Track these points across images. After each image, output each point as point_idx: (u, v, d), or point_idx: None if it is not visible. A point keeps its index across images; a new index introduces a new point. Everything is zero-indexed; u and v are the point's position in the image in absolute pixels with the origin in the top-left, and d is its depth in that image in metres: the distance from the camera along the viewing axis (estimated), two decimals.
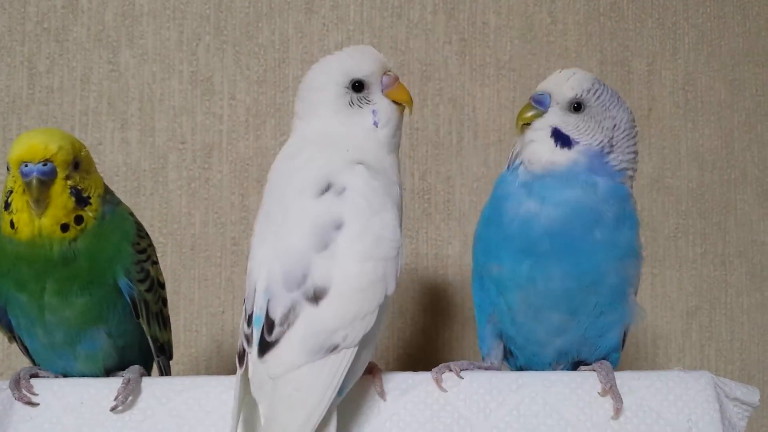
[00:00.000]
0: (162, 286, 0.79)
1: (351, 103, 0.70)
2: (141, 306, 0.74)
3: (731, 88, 1.21)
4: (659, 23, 1.20)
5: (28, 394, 0.68)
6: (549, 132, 0.73)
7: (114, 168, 1.07)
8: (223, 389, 0.68)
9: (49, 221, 0.68)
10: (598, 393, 0.67)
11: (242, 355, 0.64)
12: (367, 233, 0.63)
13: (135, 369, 0.71)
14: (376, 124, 0.70)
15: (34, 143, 0.67)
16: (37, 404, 0.67)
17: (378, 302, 0.63)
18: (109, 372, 0.74)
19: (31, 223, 0.68)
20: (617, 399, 0.66)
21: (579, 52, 1.17)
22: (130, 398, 0.68)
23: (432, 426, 0.65)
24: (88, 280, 0.70)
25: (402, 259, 0.66)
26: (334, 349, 0.61)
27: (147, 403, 0.67)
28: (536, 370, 0.74)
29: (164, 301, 0.80)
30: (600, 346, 0.73)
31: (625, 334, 0.75)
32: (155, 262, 0.78)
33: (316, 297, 0.61)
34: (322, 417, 0.60)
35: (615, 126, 0.73)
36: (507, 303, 0.72)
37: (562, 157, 0.71)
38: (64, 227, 0.68)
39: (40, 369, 0.73)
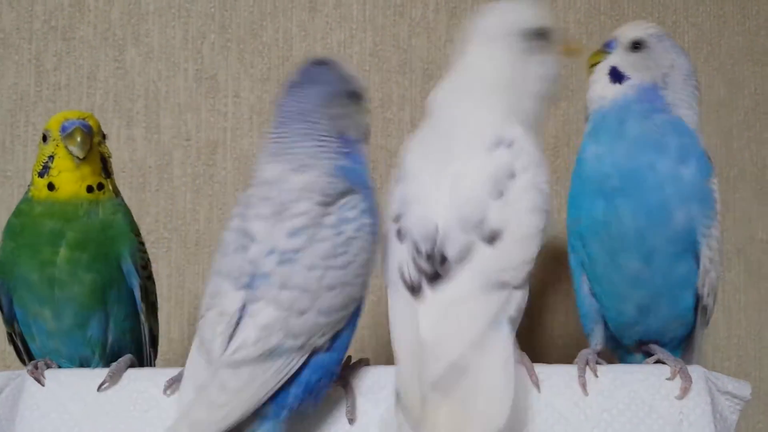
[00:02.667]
0: (154, 282, 0.83)
1: (529, 50, 0.71)
2: (142, 292, 0.78)
3: (730, 87, 1.21)
4: (659, 22, 1.18)
5: (41, 377, 0.71)
6: (607, 71, 0.78)
7: (120, 164, 1.08)
8: None
9: (79, 176, 0.74)
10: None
11: (416, 287, 0.65)
12: (533, 186, 0.67)
13: (128, 357, 0.74)
14: (544, 77, 0.72)
15: (72, 111, 0.78)
16: (44, 385, 0.70)
17: (536, 252, 0.66)
18: (109, 360, 0.76)
19: (73, 182, 0.74)
20: (686, 379, 0.68)
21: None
22: (114, 376, 0.70)
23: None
24: (97, 252, 0.74)
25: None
26: (502, 286, 0.64)
27: (151, 393, 0.69)
28: (624, 344, 0.77)
29: (156, 296, 0.83)
30: (675, 306, 0.74)
31: (705, 310, 0.76)
32: (149, 259, 0.82)
33: (491, 238, 0.64)
34: (483, 344, 0.62)
35: (672, 66, 0.76)
36: (589, 255, 0.75)
37: (611, 91, 0.76)
38: (89, 188, 0.75)
39: (50, 361, 0.75)
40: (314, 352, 0.62)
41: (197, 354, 0.63)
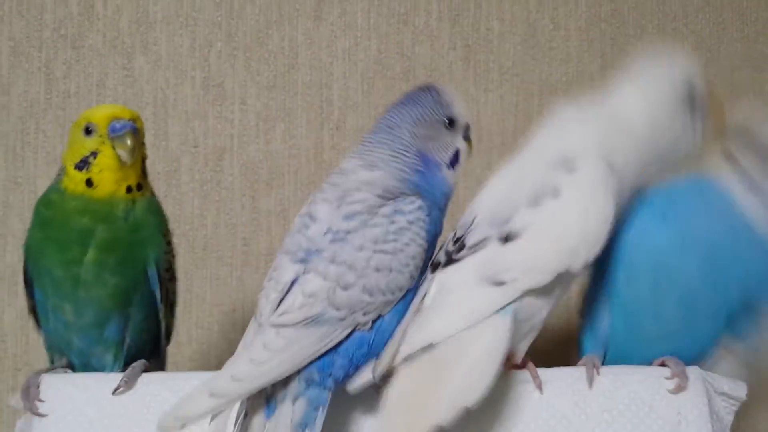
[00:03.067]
0: (176, 279, 0.84)
1: (685, 113, 0.73)
2: (163, 294, 0.78)
3: (730, 94, 1.22)
4: (659, 29, 1.21)
5: (36, 404, 0.70)
6: None
7: None
8: None
9: (121, 175, 0.73)
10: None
11: (435, 265, 0.70)
12: (568, 220, 0.68)
13: (142, 362, 0.75)
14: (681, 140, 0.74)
15: (120, 107, 0.77)
16: (45, 415, 0.70)
17: (554, 272, 0.67)
18: (125, 360, 0.77)
19: (114, 182, 0.73)
20: (683, 379, 0.70)
21: (581, 58, 1.19)
22: (129, 382, 0.71)
23: None
24: (125, 256, 0.74)
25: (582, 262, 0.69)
26: (500, 285, 0.66)
27: (164, 396, 0.70)
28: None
29: (176, 294, 0.84)
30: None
31: None
32: (174, 255, 0.82)
33: (506, 238, 0.67)
34: (470, 332, 0.65)
35: None
36: (631, 287, 0.76)
37: None
38: (128, 189, 0.74)
39: (51, 366, 0.76)
40: (357, 329, 0.65)
41: (252, 321, 0.68)
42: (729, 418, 0.73)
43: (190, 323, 1.10)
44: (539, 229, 0.68)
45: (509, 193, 0.70)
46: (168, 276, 0.79)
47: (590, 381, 0.70)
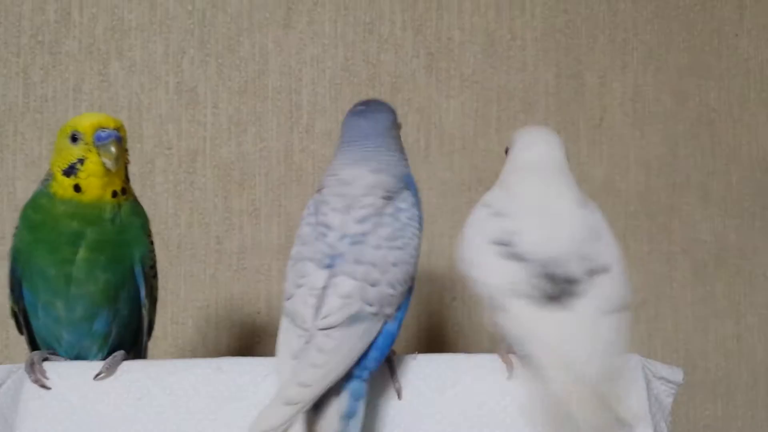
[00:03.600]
0: (157, 277, 0.87)
1: None
2: (148, 290, 0.82)
3: (676, 100, 1.25)
4: (610, 39, 1.24)
5: (42, 378, 0.74)
6: None
7: None
8: (210, 371, 0.74)
9: (106, 181, 0.76)
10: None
11: (547, 300, 0.72)
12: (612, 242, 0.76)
13: (122, 352, 0.78)
14: None
15: (105, 116, 0.78)
16: (50, 388, 0.73)
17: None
18: (108, 351, 0.80)
19: (101, 187, 0.76)
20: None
21: (536, 66, 1.22)
22: (110, 369, 0.74)
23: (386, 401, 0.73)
24: (113, 254, 0.78)
25: None
26: (619, 310, 0.72)
27: (143, 383, 0.73)
28: None
29: (157, 291, 0.87)
30: None
31: None
32: (155, 254, 0.85)
33: (603, 270, 0.73)
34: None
35: None
36: None
37: None
38: (114, 193, 0.77)
39: (49, 353, 0.79)
40: (385, 321, 0.70)
41: (290, 328, 0.70)
42: (669, 400, 0.78)
43: (166, 319, 1.12)
44: (615, 255, 0.75)
45: (573, 228, 0.75)
46: (152, 273, 0.83)
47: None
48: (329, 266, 0.70)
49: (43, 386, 0.74)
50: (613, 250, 0.75)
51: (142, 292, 0.82)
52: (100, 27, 1.15)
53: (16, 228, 0.80)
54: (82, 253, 0.76)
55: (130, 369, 0.75)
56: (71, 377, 0.74)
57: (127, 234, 0.79)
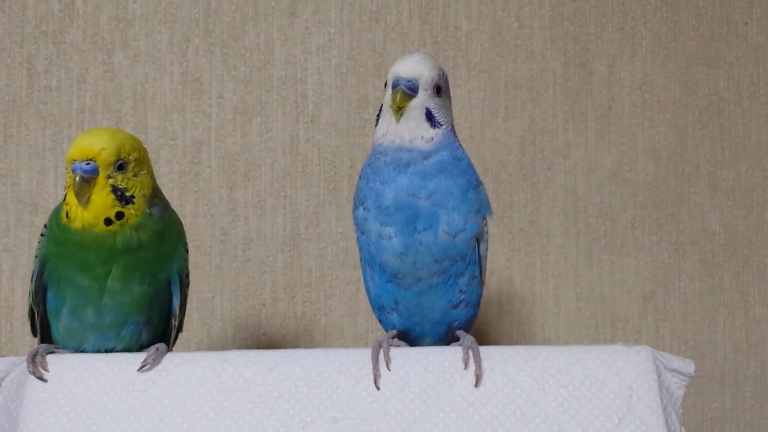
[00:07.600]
0: (189, 283, 0.86)
1: None
2: (182, 299, 0.81)
3: (685, 89, 1.24)
4: (619, 28, 1.23)
5: (41, 370, 0.73)
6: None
7: None
8: (216, 363, 0.74)
9: (90, 215, 0.72)
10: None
11: None
12: None
13: (164, 345, 0.78)
14: None
15: (83, 144, 0.72)
16: (46, 381, 0.73)
17: None
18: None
19: (80, 216, 0.72)
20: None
21: (544, 55, 1.22)
22: (156, 360, 0.74)
23: (403, 395, 0.73)
24: (149, 270, 0.76)
25: None
26: None
27: (149, 375, 0.73)
28: None
29: (187, 297, 0.86)
30: None
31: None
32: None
33: None
34: None
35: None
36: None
37: None
38: (107, 221, 0.73)
39: (57, 347, 0.78)
40: None
41: None
42: (680, 393, 0.77)
43: None
44: None
45: None
46: (186, 282, 0.82)
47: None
48: None
49: (41, 378, 0.73)
50: None
51: (176, 302, 0.81)
52: (104, 17, 1.15)
53: (43, 233, 0.78)
54: (116, 270, 0.75)
55: (135, 361, 0.75)
56: (75, 369, 0.74)
57: (162, 248, 0.77)
